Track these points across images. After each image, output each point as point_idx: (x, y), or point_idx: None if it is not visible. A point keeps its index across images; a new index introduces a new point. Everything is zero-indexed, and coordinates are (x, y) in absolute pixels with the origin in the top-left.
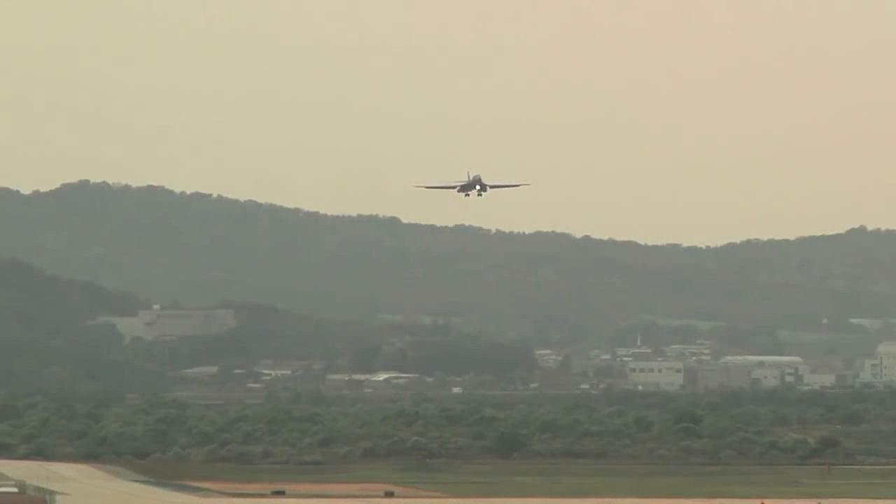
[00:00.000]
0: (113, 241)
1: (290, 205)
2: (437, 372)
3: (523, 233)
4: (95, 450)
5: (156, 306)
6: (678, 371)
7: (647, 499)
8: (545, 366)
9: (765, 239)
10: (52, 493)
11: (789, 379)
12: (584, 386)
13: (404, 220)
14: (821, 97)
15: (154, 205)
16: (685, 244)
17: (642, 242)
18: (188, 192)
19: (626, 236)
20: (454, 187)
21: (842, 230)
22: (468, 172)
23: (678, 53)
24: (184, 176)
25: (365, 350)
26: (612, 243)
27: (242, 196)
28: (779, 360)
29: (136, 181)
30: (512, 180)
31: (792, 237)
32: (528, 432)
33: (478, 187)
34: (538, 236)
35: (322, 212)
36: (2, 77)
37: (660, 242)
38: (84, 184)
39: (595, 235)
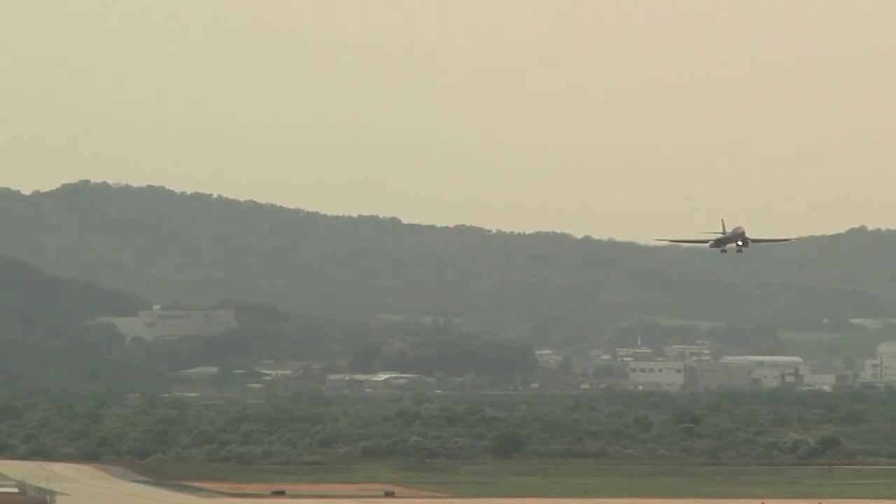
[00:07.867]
0: (113, 241)
1: (290, 205)
2: (437, 372)
3: (523, 233)
4: (95, 450)
5: (156, 306)
6: (678, 371)
7: (647, 499)
8: (545, 366)
9: None
10: (52, 493)
11: (789, 379)
12: (585, 386)
13: (404, 221)
14: (821, 98)
15: (154, 205)
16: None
17: (642, 242)
18: (188, 192)
19: (626, 236)
20: (705, 242)
21: (842, 230)
22: (722, 221)
23: (680, 54)
24: (184, 176)
25: (365, 350)
26: (612, 243)
27: (242, 196)
28: (779, 360)
29: (136, 181)
30: (776, 235)
31: (792, 237)
32: (528, 432)
33: (739, 242)
34: (538, 236)
35: (322, 212)
36: (2, 77)
37: (660, 242)
38: (84, 184)
39: (595, 235)
